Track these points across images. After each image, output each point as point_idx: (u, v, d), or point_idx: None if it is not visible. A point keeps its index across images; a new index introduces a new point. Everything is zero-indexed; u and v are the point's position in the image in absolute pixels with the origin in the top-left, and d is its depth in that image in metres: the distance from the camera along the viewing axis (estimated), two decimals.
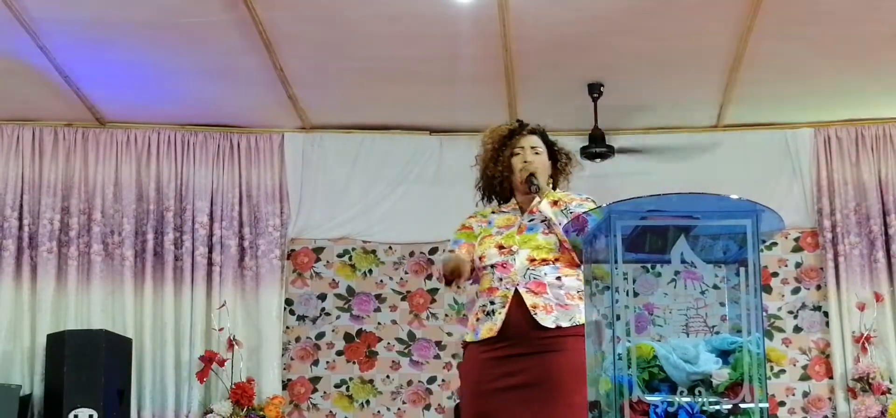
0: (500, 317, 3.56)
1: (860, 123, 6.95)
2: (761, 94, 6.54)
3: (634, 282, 2.85)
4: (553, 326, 3.51)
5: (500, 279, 3.60)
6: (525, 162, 3.71)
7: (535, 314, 3.51)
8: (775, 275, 6.98)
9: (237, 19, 5.41)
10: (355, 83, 6.36)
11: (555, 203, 3.63)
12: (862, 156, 6.93)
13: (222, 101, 6.63)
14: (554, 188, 3.81)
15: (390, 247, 7.08)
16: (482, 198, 3.87)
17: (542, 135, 3.82)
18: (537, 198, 3.68)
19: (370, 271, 7.06)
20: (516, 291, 3.56)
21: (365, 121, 7.02)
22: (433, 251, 7.06)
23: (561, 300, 3.54)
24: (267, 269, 6.85)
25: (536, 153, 3.74)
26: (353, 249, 7.08)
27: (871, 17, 5.50)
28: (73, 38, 5.63)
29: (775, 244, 6.90)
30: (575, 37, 5.68)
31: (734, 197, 2.97)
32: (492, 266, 3.65)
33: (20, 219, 6.65)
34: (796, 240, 7.01)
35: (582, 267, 3.60)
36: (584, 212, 3.44)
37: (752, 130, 7.06)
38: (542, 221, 3.65)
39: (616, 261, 2.82)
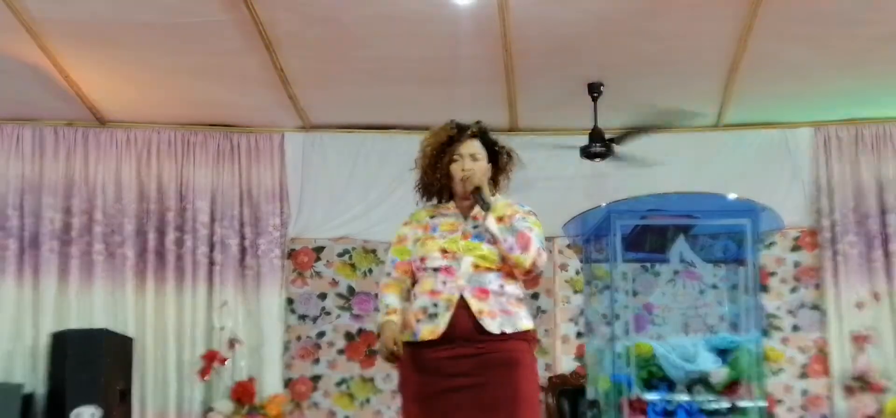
0: (443, 321, 3.57)
1: (859, 123, 6.96)
2: (761, 94, 6.55)
3: (634, 281, 2.87)
4: (498, 332, 3.55)
5: (444, 282, 3.61)
6: (463, 170, 3.72)
7: (481, 319, 3.56)
8: (773, 274, 6.98)
9: (237, 19, 5.43)
10: (355, 83, 6.37)
11: (500, 219, 3.65)
12: (861, 156, 6.94)
13: (222, 101, 6.64)
14: (495, 188, 3.81)
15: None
16: (421, 198, 3.89)
17: (483, 135, 3.82)
18: (480, 209, 3.70)
19: (370, 270, 7.07)
20: (462, 296, 3.59)
21: (365, 120, 7.03)
22: None
23: (504, 306, 3.60)
24: (268, 269, 6.87)
25: (475, 160, 3.73)
26: (354, 249, 7.09)
27: (871, 18, 5.51)
28: (73, 38, 5.64)
29: (774, 243, 6.90)
30: (575, 37, 5.69)
31: (733, 196, 2.98)
32: (435, 269, 3.65)
33: (22, 218, 6.66)
34: (795, 239, 7.02)
35: (521, 280, 3.66)
36: (526, 229, 3.50)
37: (751, 130, 7.07)
38: (487, 231, 3.67)
39: (616, 261, 2.84)
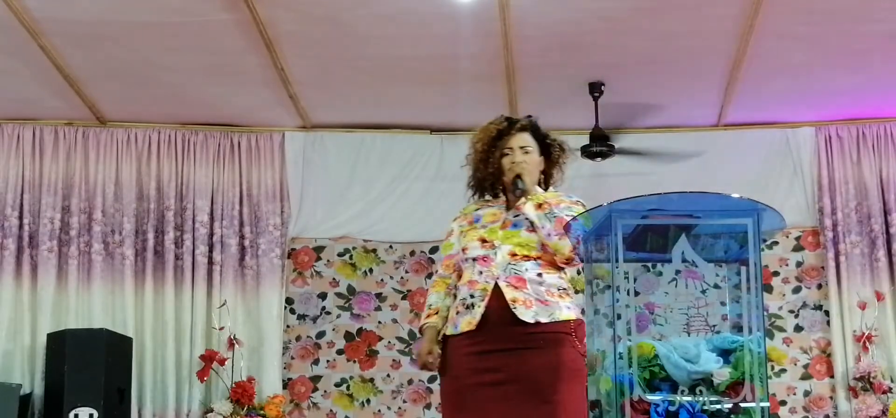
0: (479, 311, 3.56)
1: (861, 122, 6.94)
2: (762, 93, 6.54)
3: (635, 281, 2.85)
4: (532, 321, 3.51)
5: (480, 272, 3.60)
6: (513, 163, 3.70)
7: (515, 308, 3.52)
8: (776, 274, 6.98)
9: (238, 19, 5.41)
10: (356, 82, 6.36)
11: (539, 205, 3.62)
12: (863, 155, 6.92)
13: (223, 100, 6.63)
14: (547, 181, 3.80)
15: (391, 246, 7.08)
16: (473, 195, 3.87)
17: (534, 129, 3.80)
18: (523, 199, 3.68)
19: (371, 270, 7.06)
20: (496, 284, 3.56)
21: (365, 120, 7.01)
22: (434, 249, 7.05)
23: (541, 296, 3.55)
24: (267, 268, 6.85)
25: (526, 152, 3.71)
26: (354, 248, 7.08)
27: (871, 17, 5.50)
28: (73, 38, 5.63)
29: (776, 243, 6.90)
30: (575, 36, 5.68)
31: (735, 196, 2.96)
32: (473, 259, 3.65)
33: (20, 218, 6.64)
34: (797, 238, 7.01)
35: (564, 269, 3.61)
36: (569, 217, 3.45)
37: (752, 129, 7.06)
38: (527, 219, 3.65)
39: (617, 260, 2.82)
